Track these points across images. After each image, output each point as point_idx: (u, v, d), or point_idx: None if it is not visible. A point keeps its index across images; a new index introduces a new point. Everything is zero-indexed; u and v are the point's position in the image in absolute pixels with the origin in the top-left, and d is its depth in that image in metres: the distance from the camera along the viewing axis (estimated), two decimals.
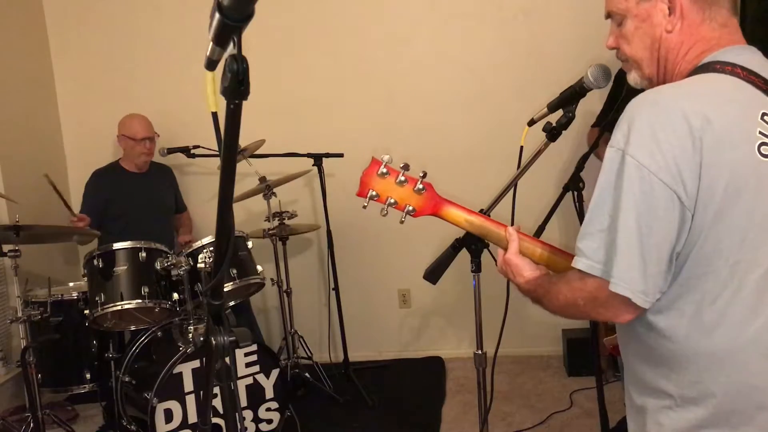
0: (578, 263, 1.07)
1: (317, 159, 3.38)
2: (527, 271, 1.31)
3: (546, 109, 1.63)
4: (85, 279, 2.81)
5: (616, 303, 1.05)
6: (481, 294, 1.85)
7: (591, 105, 3.00)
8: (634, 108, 1.06)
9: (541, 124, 1.64)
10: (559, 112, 1.61)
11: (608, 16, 1.23)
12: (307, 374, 3.38)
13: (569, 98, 1.57)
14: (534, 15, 3.56)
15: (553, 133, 1.62)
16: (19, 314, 2.69)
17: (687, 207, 1.01)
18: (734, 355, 1.05)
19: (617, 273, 1.02)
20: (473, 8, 3.61)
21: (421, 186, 1.37)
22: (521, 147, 1.69)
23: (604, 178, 1.06)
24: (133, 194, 3.48)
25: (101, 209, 3.40)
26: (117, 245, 2.78)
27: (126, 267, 2.73)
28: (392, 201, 1.38)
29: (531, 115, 1.67)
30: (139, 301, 2.70)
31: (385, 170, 1.37)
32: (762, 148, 1.04)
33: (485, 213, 1.62)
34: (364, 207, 1.39)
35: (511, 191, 1.73)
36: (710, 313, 1.04)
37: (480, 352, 2.00)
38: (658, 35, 1.16)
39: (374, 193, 1.37)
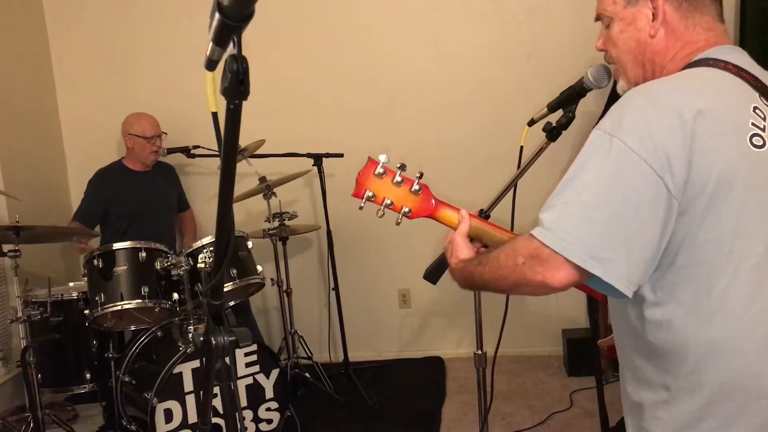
0: (537, 232, 1.05)
1: (317, 159, 3.38)
2: (463, 253, 1.30)
3: (546, 109, 1.64)
4: (85, 279, 2.81)
5: (555, 263, 1.03)
6: (481, 294, 1.86)
7: (591, 105, 3.00)
8: (628, 97, 1.08)
9: (541, 124, 1.65)
10: (559, 112, 1.61)
11: (598, 18, 1.26)
12: (307, 374, 3.38)
13: (569, 98, 1.57)
14: (534, 15, 3.56)
15: (553, 133, 1.62)
16: (19, 314, 2.68)
17: (674, 195, 1.01)
18: (731, 343, 1.05)
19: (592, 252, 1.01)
20: (473, 8, 3.61)
21: (417, 187, 1.36)
22: (521, 147, 1.70)
23: (583, 157, 1.06)
24: (138, 193, 3.48)
25: (103, 208, 3.39)
26: (117, 245, 2.78)
27: (126, 267, 2.73)
28: (389, 202, 1.36)
29: (531, 115, 1.68)
30: (139, 301, 2.70)
31: (381, 170, 1.35)
32: (754, 138, 1.06)
33: (485, 213, 1.62)
34: (361, 208, 1.37)
35: (511, 191, 1.73)
36: (707, 302, 1.05)
37: (480, 352, 2.00)
38: (643, 40, 1.19)
39: (371, 193, 1.35)
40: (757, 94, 1.10)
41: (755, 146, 1.05)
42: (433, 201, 1.38)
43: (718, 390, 1.06)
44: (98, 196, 3.40)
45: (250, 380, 2.73)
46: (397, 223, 1.39)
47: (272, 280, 3.36)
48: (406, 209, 1.37)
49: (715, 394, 1.06)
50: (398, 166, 1.36)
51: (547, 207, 1.07)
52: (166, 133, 3.52)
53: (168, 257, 2.75)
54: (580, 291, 1.42)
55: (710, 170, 1.01)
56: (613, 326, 1.24)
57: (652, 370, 1.12)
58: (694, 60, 1.15)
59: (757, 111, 1.08)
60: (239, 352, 2.66)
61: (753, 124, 1.06)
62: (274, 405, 2.80)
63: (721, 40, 1.17)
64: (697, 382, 1.07)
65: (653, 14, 1.16)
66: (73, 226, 3.23)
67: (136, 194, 3.47)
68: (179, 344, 2.66)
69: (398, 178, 1.35)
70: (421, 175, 1.38)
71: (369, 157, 1.37)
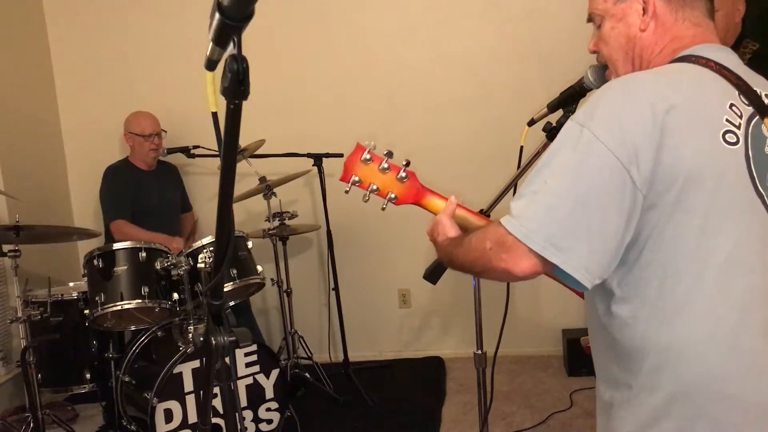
0: (505, 220, 1.06)
1: (317, 159, 3.39)
2: (451, 233, 1.30)
3: (546, 109, 1.64)
4: (85, 279, 2.81)
5: (519, 251, 1.02)
6: (481, 294, 1.86)
7: None
8: (605, 88, 1.09)
9: (541, 124, 1.65)
10: (559, 112, 1.61)
11: (589, 19, 1.26)
12: (307, 374, 3.38)
13: (569, 98, 1.58)
14: (534, 15, 3.56)
15: (553, 133, 1.62)
16: (19, 314, 2.68)
17: (639, 188, 1.00)
18: (693, 344, 1.03)
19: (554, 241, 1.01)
20: (473, 8, 3.61)
21: (404, 174, 1.37)
22: (521, 147, 1.70)
23: (555, 146, 1.06)
24: (146, 192, 3.48)
25: (129, 201, 3.40)
26: (117, 245, 2.78)
27: (126, 267, 2.73)
28: (374, 188, 1.37)
29: (531, 115, 1.68)
30: (139, 301, 2.70)
31: (368, 156, 1.36)
32: (727, 135, 1.05)
33: (485, 213, 1.62)
34: (346, 192, 1.38)
35: (511, 191, 1.74)
36: (671, 301, 1.04)
37: (480, 352, 2.00)
38: (633, 34, 1.19)
39: (357, 178, 1.37)
40: (737, 93, 1.09)
41: (728, 143, 1.04)
42: (420, 188, 1.39)
43: (678, 390, 1.04)
44: (124, 190, 3.41)
45: (250, 380, 2.73)
46: (382, 209, 1.39)
47: (272, 280, 3.36)
48: (392, 195, 1.38)
49: (675, 395, 1.04)
50: (385, 153, 1.38)
51: (517, 196, 1.07)
52: (165, 131, 3.53)
53: (168, 257, 2.75)
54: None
55: (680, 165, 1.01)
56: (587, 324, 1.23)
57: (618, 368, 1.12)
58: (678, 56, 1.15)
59: (733, 108, 1.07)
60: (239, 352, 2.66)
61: (727, 120, 1.05)
62: (274, 405, 2.80)
63: (709, 37, 1.17)
64: (657, 381, 1.05)
65: (644, 8, 1.17)
66: (128, 229, 3.28)
67: (144, 192, 3.48)
68: (179, 344, 2.66)
69: (384, 165, 1.37)
70: (408, 163, 1.39)
71: (357, 143, 1.39)
